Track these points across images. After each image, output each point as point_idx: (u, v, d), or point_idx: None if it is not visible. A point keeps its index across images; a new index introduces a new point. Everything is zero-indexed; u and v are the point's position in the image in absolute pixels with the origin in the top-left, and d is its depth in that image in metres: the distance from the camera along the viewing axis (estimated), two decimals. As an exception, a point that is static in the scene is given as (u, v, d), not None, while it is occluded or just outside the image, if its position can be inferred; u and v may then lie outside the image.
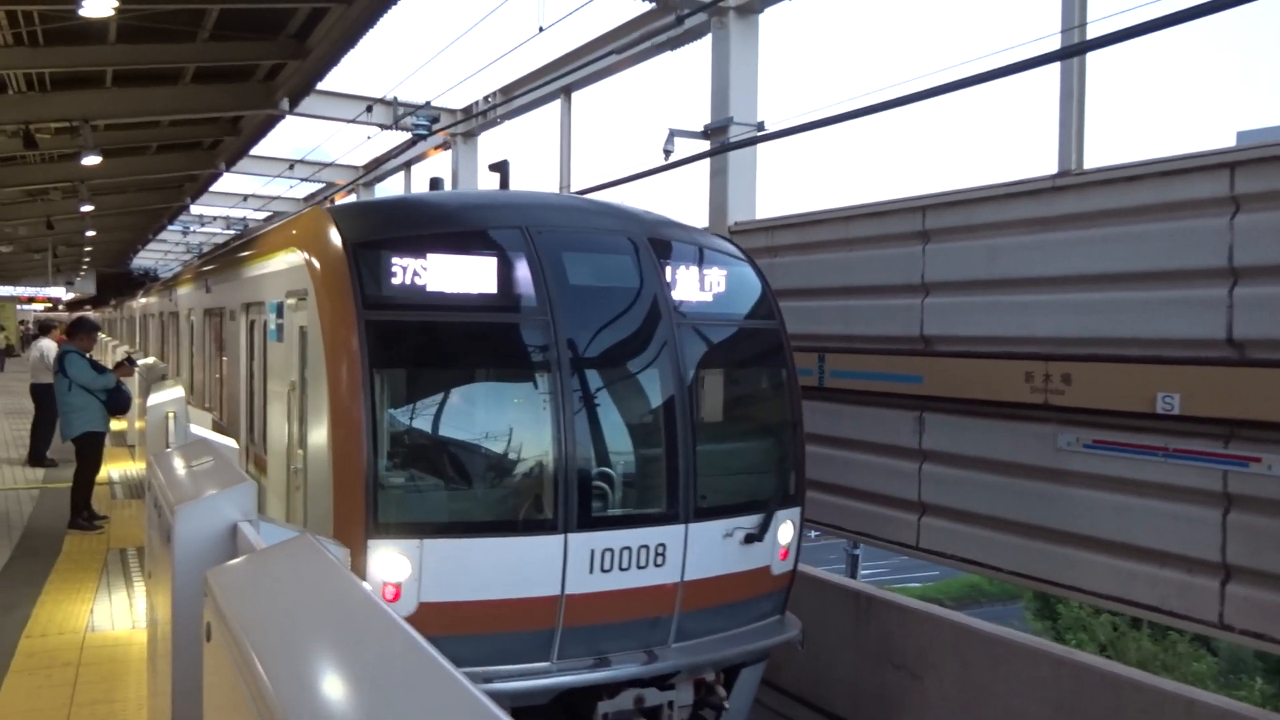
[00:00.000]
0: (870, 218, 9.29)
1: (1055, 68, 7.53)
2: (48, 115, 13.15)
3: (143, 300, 27.61)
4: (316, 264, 6.17)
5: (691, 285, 6.49)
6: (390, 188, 22.91)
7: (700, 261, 6.62)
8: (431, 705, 1.51)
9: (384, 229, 6.26)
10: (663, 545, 5.92)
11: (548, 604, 5.65)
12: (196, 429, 7.64)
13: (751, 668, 6.46)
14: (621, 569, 5.79)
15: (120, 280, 44.68)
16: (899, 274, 8.79)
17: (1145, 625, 27.62)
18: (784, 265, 9.98)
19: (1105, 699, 6.51)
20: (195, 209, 27.80)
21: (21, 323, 46.18)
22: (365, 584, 2.17)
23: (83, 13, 8.92)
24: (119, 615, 7.41)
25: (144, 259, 44.11)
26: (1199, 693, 6.48)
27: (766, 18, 11.06)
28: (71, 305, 47.99)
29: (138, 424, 13.93)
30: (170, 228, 31.81)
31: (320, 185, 24.47)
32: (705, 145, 11.02)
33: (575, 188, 14.24)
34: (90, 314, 17.09)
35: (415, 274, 5.74)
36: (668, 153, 10.85)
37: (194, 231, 33.32)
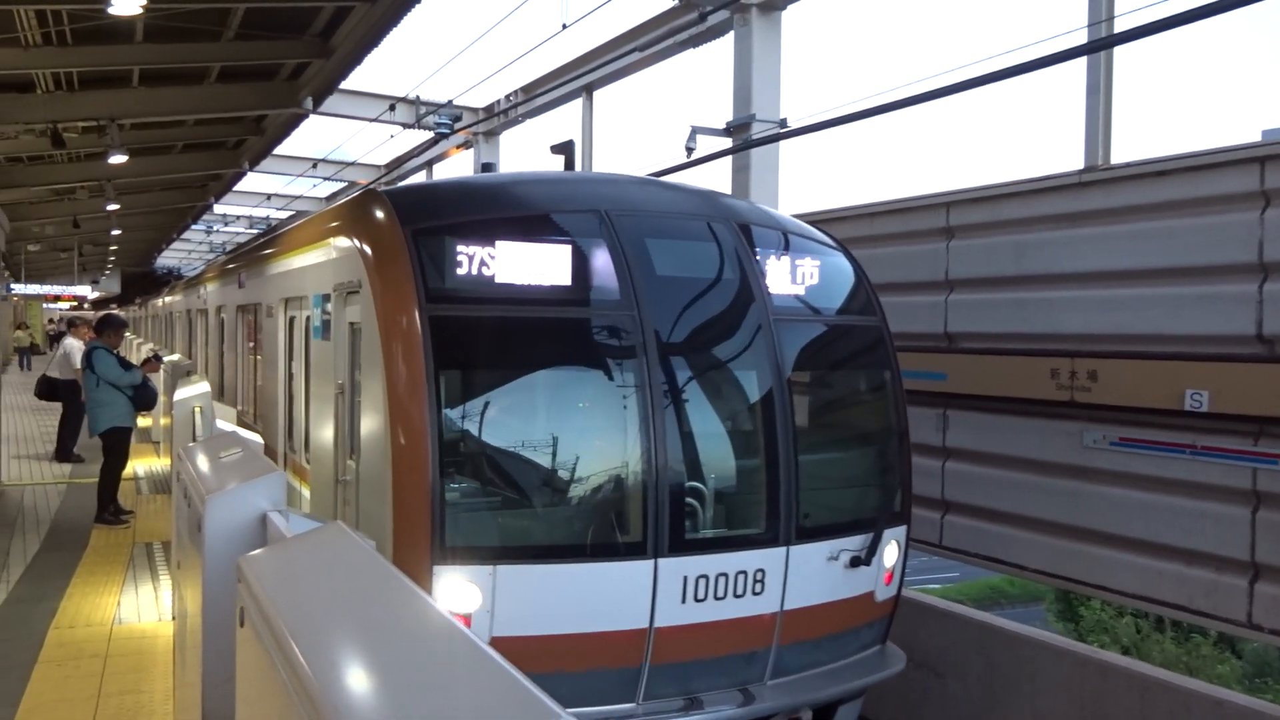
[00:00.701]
0: (894, 214, 9.25)
1: (1080, 63, 7.47)
2: (75, 114, 13.27)
3: (168, 298, 26.77)
4: (371, 252, 5.50)
5: (785, 276, 5.84)
6: (412, 187, 22.93)
7: (793, 250, 5.99)
8: (471, 688, 1.51)
9: (446, 212, 5.59)
10: (761, 571, 5.27)
11: (634, 638, 5.03)
12: (222, 424, 7.69)
13: (849, 704, 5.83)
14: (717, 598, 5.15)
15: (145, 279, 45.17)
16: (923, 270, 8.74)
17: (1169, 628, 27.39)
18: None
19: (1131, 699, 6.45)
20: (219, 208, 28.05)
21: (50, 321, 46.65)
22: None
23: (112, 11, 9.00)
24: (145, 608, 7.48)
25: (168, 258, 44.56)
26: (1227, 693, 6.41)
27: (789, 14, 11.05)
28: (96, 304, 48.45)
29: (162, 421, 14.06)
30: (194, 227, 32.10)
31: (342, 184, 24.61)
32: (727, 142, 11.00)
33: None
34: (116, 311, 17.25)
35: (482, 263, 5.12)
36: (690, 150, 10.82)
37: (217, 231, 33.64)
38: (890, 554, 5.92)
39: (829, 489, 6.07)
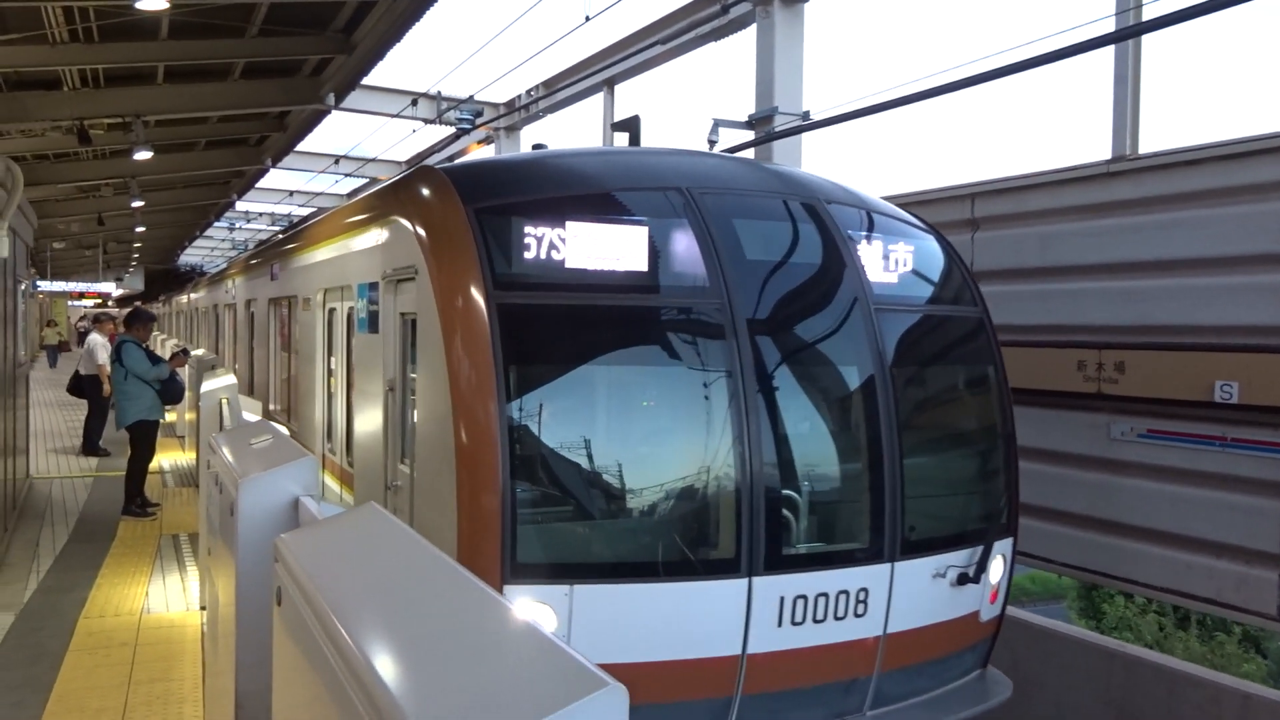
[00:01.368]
0: (918, 206, 9.16)
1: (1107, 51, 7.40)
2: (101, 111, 13.41)
3: (193, 294, 26.22)
4: (428, 234, 4.96)
5: (882, 261, 5.34)
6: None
7: (887, 233, 5.50)
8: (518, 659, 1.51)
9: (512, 190, 5.04)
10: (864, 590, 4.77)
11: (725, 665, 4.54)
12: (248, 415, 7.74)
13: None
14: (816, 620, 4.65)
15: (168, 276, 45.55)
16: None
17: (1193, 625, 27.14)
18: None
19: (1158, 692, 6.41)
20: (241, 205, 28.23)
21: (80, 318, 47.08)
22: None
23: (139, 6, 9.09)
24: (173, 598, 7.55)
25: (190, 255, 44.92)
26: (1255, 687, 6.37)
27: (811, 6, 11.00)
28: (121, 301, 48.93)
29: (188, 415, 14.17)
30: (217, 224, 32.34)
31: (364, 181, 24.72)
32: (750, 135, 10.97)
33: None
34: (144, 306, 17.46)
35: (553, 245, 4.61)
36: (712, 143, 10.79)
37: (240, 228, 33.86)
38: (995, 569, 5.41)
39: (934, 497, 5.50)
